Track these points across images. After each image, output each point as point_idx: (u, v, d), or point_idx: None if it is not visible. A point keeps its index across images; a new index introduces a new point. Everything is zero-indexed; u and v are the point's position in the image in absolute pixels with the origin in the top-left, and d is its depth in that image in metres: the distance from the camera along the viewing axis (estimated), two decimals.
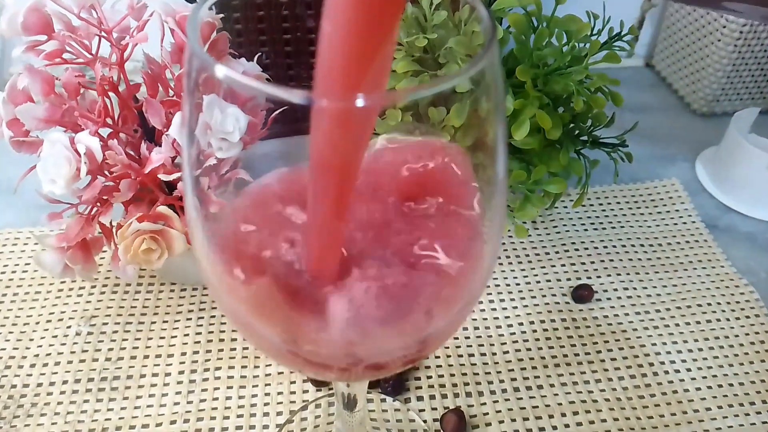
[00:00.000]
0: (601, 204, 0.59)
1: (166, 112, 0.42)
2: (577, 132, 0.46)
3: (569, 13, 0.43)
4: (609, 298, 0.50)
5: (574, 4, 0.46)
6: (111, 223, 0.43)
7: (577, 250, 0.54)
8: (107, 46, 0.42)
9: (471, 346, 0.46)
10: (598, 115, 0.45)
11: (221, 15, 0.35)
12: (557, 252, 0.54)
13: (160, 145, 0.40)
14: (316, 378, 0.43)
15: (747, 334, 0.48)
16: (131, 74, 0.43)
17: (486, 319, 0.48)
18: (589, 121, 0.45)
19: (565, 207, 0.58)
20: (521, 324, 0.48)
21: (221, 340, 0.46)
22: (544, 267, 0.53)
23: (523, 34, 0.41)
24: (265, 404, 0.43)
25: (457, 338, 0.47)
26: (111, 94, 0.42)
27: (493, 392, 0.44)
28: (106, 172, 0.40)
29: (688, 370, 0.45)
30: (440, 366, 0.45)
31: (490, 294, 0.50)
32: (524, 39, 0.41)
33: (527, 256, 0.54)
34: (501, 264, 0.53)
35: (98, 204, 0.42)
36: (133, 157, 0.42)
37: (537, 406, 0.43)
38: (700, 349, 0.47)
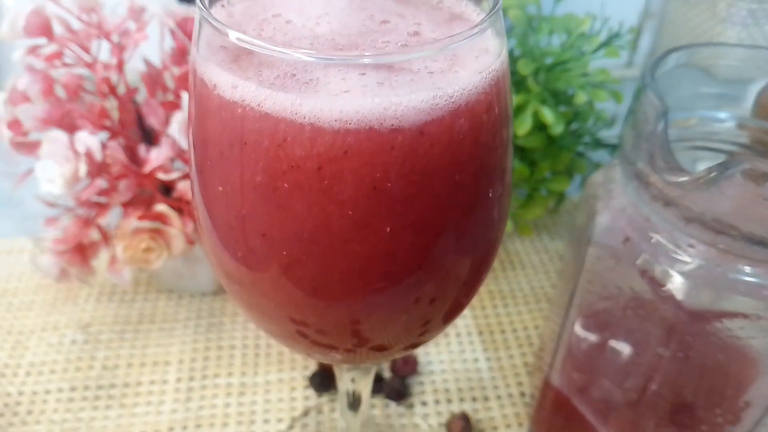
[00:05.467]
0: None
1: (165, 114, 0.42)
2: (579, 133, 0.46)
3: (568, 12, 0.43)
4: None
5: (573, 6, 0.47)
6: (108, 226, 0.42)
7: None
8: (107, 51, 0.42)
9: (475, 350, 0.45)
10: (600, 114, 0.44)
11: None
12: (562, 256, 0.53)
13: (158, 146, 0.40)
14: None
15: None
16: (129, 74, 0.43)
17: (490, 323, 0.47)
18: (591, 121, 0.45)
19: (570, 211, 0.57)
20: (526, 329, 0.47)
21: (219, 348, 0.45)
22: (548, 272, 0.52)
23: (523, 31, 0.41)
24: (266, 411, 0.42)
25: (461, 342, 0.46)
26: (110, 96, 0.42)
27: (499, 397, 0.42)
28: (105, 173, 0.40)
29: None
30: (444, 370, 0.44)
31: (495, 299, 0.49)
32: (524, 36, 0.41)
33: (531, 260, 0.53)
34: (505, 270, 0.52)
35: (97, 205, 0.42)
36: (131, 159, 0.42)
37: None
38: None
